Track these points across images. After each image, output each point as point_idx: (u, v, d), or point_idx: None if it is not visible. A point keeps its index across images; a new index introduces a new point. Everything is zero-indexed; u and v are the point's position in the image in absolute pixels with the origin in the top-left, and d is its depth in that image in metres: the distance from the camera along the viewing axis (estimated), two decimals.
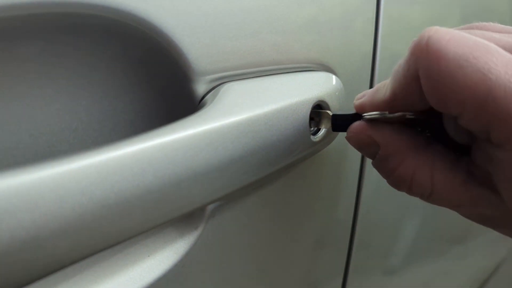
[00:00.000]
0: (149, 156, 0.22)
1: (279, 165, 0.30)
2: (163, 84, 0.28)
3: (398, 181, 0.26)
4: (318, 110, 0.32)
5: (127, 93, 0.27)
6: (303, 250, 0.41)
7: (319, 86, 0.33)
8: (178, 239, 0.29)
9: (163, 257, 0.28)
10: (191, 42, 0.26)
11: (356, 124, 0.28)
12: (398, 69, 0.24)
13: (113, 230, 0.21)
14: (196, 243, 0.29)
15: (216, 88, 0.28)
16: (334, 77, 0.35)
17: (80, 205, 0.19)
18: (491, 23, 0.27)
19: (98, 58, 0.26)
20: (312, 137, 0.32)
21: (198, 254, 0.29)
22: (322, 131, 0.33)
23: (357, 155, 0.43)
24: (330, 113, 0.31)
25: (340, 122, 0.30)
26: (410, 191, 0.26)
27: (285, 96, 0.29)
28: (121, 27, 0.24)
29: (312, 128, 0.32)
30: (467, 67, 0.20)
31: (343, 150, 0.40)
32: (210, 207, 0.29)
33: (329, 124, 0.31)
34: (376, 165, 0.28)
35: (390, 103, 0.25)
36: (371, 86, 0.41)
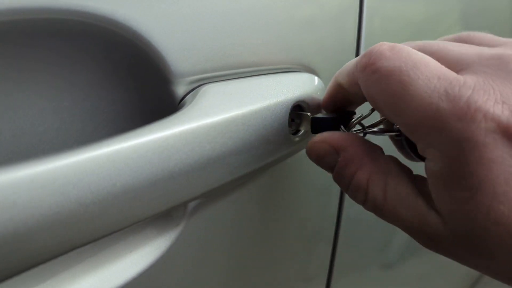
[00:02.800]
0: (125, 156, 0.22)
1: (258, 165, 0.30)
2: (143, 85, 0.28)
3: (355, 189, 0.27)
4: (298, 112, 0.33)
5: (109, 94, 0.28)
6: (286, 248, 0.42)
7: (299, 87, 0.33)
8: (159, 235, 0.29)
9: (145, 252, 0.29)
10: (169, 44, 0.26)
11: (319, 135, 0.29)
12: (346, 69, 0.29)
13: (90, 228, 0.22)
14: (177, 240, 0.30)
15: (195, 90, 0.28)
16: (316, 78, 0.36)
17: (56, 204, 0.20)
18: (481, 34, 0.28)
19: (79, 61, 0.26)
20: (291, 136, 0.33)
21: (180, 251, 0.30)
22: (302, 131, 0.34)
23: None
24: (310, 115, 0.32)
25: (320, 125, 0.31)
26: (366, 201, 0.27)
27: (264, 97, 0.30)
28: (102, 32, 0.25)
29: (293, 129, 0.33)
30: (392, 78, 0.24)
31: None
32: (191, 205, 0.30)
33: (309, 126, 0.32)
34: (336, 176, 0.29)
35: (333, 97, 0.31)
36: None
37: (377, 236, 0.57)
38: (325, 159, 0.29)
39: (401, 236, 0.60)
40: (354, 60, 0.28)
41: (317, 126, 0.31)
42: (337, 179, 0.29)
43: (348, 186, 0.28)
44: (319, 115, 0.32)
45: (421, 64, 0.23)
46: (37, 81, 0.25)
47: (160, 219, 0.30)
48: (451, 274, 0.82)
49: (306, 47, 0.36)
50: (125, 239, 0.29)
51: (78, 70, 0.26)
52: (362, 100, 0.30)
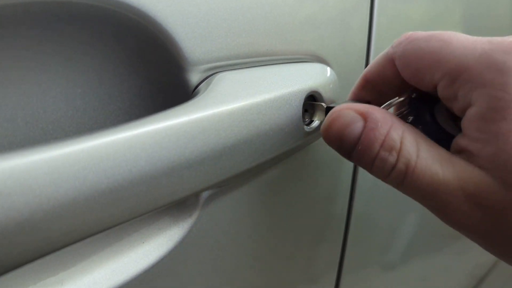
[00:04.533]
0: (142, 142, 0.22)
1: (272, 154, 0.30)
2: (158, 73, 0.28)
3: (389, 149, 0.26)
4: (312, 102, 0.33)
5: (123, 82, 0.27)
6: (298, 241, 0.41)
7: (313, 77, 0.33)
8: (172, 226, 0.29)
9: (158, 243, 0.28)
10: (185, 32, 0.26)
11: (342, 105, 0.28)
12: (375, 61, 0.30)
13: (105, 215, 0.22)
14: (190, 231, 0.29)
15: (209, 78, 0.28)
16: (328, 68, 0.35)
17: (73, 189, 0.20)
18: None
19: (94, 47, 0.26)
20: (305, 127, 0.32)
21: (193, 242, 0.30)
22: (316, 122, 0.33)
23: None
24: (324, 105, 0.32)
25: None
26: (397, 165, 0.26)
27: (279, 86, 0.30)
28: (116, 17, 0.25)
29: (306, 119, 0.33)
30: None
31: None
32: (204, 195, 0.30)
33: (323, 117, 0.32)
34: (364, 143, 0.26)
35: (363, 85, 0.31)
36: None
37: (382, 235, 0.57)
38: (349, 128, 0.27)
39: (404, 237, 0.60)
40: (383, 51, 0.29)
41: None
42: (365, 145, 0.26)
43: (378, 152, 0.26)
44: (334, 104, 0.31)
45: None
46: (49, 67, 0.25)
47: (173, 209, 0.29)
48: (454, 276, 0.82)
49: (320, 39, 0.35)
50: (137, 230, 0.29)
51: (90, 56, 0.26)
52: (390, 89, 0.30)
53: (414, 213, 0.60)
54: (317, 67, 0.35)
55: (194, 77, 0.28)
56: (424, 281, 0.72)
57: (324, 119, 0.31)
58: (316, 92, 0.32)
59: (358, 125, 0.27)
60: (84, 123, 0.27)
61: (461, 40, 0.25)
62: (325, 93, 0.33)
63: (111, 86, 0.27)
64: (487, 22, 0.65)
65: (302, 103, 0.31)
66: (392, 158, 0.26)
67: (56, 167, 0.19)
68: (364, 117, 0.26)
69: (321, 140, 0.36)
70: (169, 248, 0.28)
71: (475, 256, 0.86)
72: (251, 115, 0.27)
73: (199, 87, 0.28)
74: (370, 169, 0.27)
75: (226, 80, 0.28)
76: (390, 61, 0.28)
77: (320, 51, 0.36)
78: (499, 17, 0.69)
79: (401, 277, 0.65)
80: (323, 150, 0.39)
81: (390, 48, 0.28)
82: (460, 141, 0.25)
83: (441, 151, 0.26)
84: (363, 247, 0.53)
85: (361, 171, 0.45)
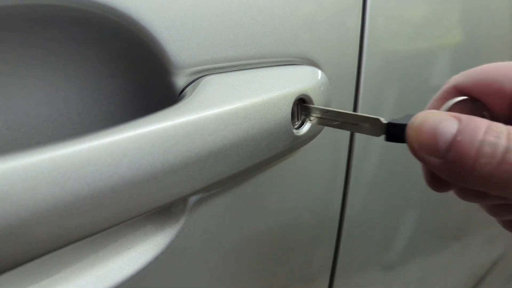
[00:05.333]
0: (124, 147, 0.22)
1: (260, 159, 0.30)
2: (143, 76, 0.28)
3: (495, 133, 0.23)
4: (307, 104, 0.32)
5: (108, 85, 0.27)
6: (289, 245, 0.41)
7: (302, 80, 0.32)
8: (158, 231, 0.29)
9: (144, 249, 0.28)
10: (170, 35, 0.26)
11: (431, 111, 0.25)
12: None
13: (87, 222, 0.21)
14: (177, 236, 0.29)
15: (196, 81, 0.28)
16: (319, 71, 0.35)
17: (52, 195, 0.19)
18: None
19: (77, 50, 0.26)
20: (294, 131, 0.32)
21: (179, 248, 0.29)
22: (306, 126, 0.33)
23: (344, 150, 0.43)
24: (384, 121, 0.28)
25: (397, 132, 0.27)
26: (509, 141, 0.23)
27: (267, 90, 0.29)
28: (100, 19, 0.24)
29: (296, 123, 0.32)
30: None
31: (329, 145, 0.40)
32: (192, 200, 0.29)
33: (315, 120, 0.31)
34: (464, 136, 0.24)
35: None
36: (357, 82, 0.41)
37: (378, 236, 0.56)
38: (443, 123, 0.24)
39: (402, 238, 0.60)
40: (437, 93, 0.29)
41: (395, 132, 0.27)
42: (467, 134, 0.23)
43: (484, 136, 0.23)
44: (393, 120, 0.28)
45: None
46: (32, 71, 0.25)
47: (160, 214, 0.29)
48: (453, 276, 0.82)
49: (309, 41, 0.35)
50: (123, 235, 0.28)
51: (74, 60, 0.26)
52: None
53: (414, 214, 0.60)
54: (307, 69, 0.34)
55: (180, 81, 0.27)
56: (422, 281, 0.72)
57: (316, 123, 0.31)
58: (305, 95, 0.32)
59: (453, 122, 0.24)
60: (68, 127, 0.26)
61: None
62: (316, 96, 0.33)
63: (96, 89, 0.27)
64: (484, 22, 0.65)
65: (291, 107, 0.31)
66: (502, 141, 0.23)
67: (35, 173, 0.19)
68: (457, 118, 0.24)
69: (311, 143, 0.36)
70: (155, 254, 0.28)
71: (473, 257, 0.86)
72: (238, 119, 0.27)
73: (185, 90, 0.27)
74: (474, 162, 0.23)
75: (213, 84, 0.27)
76: (450, 92, 0.27)
77: (311, 53, 0.35)
78: (495, 16, 0.68)
79: (399, 277, 0.65)
80: (314, 153, 0.38)
81: (447, 83, 0.28)
82: None
83: None
84: (357, 248, 0.52)
85: (354, 173, 0.44)
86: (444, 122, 0.24)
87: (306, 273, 0.45)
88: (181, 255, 0.30)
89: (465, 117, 0.24)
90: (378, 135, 0.28)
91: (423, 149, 0.25)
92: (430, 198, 0.60)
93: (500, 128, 0.23)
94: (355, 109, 0.42)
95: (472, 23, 0.62)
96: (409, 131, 0.25)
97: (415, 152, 0.25)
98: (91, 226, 0.22)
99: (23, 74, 0.24)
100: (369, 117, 0.29)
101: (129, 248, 0.28)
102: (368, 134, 0.29)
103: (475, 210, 0.70)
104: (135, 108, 0.28)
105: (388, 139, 0.27)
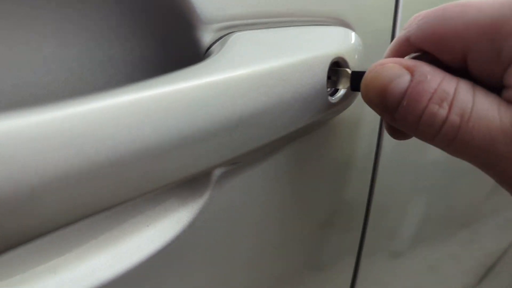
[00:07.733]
0: (147, 107, 0.19)
1: (294, 127, 0.27)
2: (165, 32, 0.25)
3: (440, 100, 0.23)
4: (336, 68, 0.29)
5: (125, 42, 0.24)
6: (315, 224, 0.38)
7: (337, 42, 0.30)
8: (180, 207, 0.26)
9: (164, 227, 0.26)
10: None
11: (385, 59, 0.26)
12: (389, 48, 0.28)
13: (103, 192, 0.18)
14: (200, 212, 0.26)
15: (224, 38, 0.25)
16: (353, 33, 0.32)
17: (65, 161, 0.17)
18: None
19: (91, 1, 0.23)
20: (329, 98, 0.29)
21: (203, 225, 0.27)
22: (341, 92, 0.30)
23: (376, 120, 0.40)
24: (349, 71, 0.28)
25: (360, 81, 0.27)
26: (449, 116, 0.23)
27: (301, 50, 0.27)
28: None
29: (329, 89, 0.29)
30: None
31: (361, 115, 0.37)
32: (217, 173, 0.27)
33: (347, 84, 0.28)
34: (412, 95, 0.24)
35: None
36: None
37: (391, 222, 0.54)
38: (393, 82, 0.24)
39: (413, 224, 0.58)
40: (395, 38, 0.27)
41: (359, 81, 0.27)
42: (412, 100, 0.24)
43: (426, 106, 0.24)
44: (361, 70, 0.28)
45: None
46: (40, 22, 0.22)
47: (182, 188, 0.26)
48: (463, 264, 0.81)
49: (343, 1, 0.32)
50: (142, 211, 0.26)
51: (87, 12, 0.23)
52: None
53: (425, 200, 0.58)
54: (341, 31, 0.31)
55: (206, 37, 0.25)
56: (432, 269, 0.71)
57: (348, 86, 0.28)
58: (341, 58, 0.29)
59: (405, 79, 0.24)
60: (80, 88, 0.24)
61: (479, 1, 0.23)
62: (350, 60, 0.30)
63: (112, 46, 0.24)
64: None
65: (327, 70, 0.28)
66: (442, 111, 0.23)
67: (46, 134, 0.16)
68: (411, 70, 0.24)
69: (343, 114, 0.33)
70: (176, 232, 0.26)
71: (484, 245, 0.86)
72: (271, 80, 0.24)
73: (212, 47, 0.25)
74: (415, 129, 0.24)
75: (243, 41, 0.25)
76: (404, 45, 0.26)
77: (344, 14, 0.32)
78: None
79: (409, 264, 0.64)
80: (344, 122, 0.36)
81: (402, 31, 0.26)
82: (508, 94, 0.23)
83: (498, 98, 0.23)
84: (377, 233, 0.50)
85: (384, 145, 0.41)
86: (394, 83, 0.24)
87: (331, 254, 0.43)
88: (205, 233, 0.27)
89: (418, 73, 0.24)
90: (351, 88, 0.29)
91: (373, 106, 0.26)
92: (439, 184, 0.58)
93: (448, 88, 0.23)
94: None
95: None
96: (362, 87, 0.26)
97: (368, 104, 0.26)
98: (110, 197, 0.19)
99: (30, 26, 0.21)
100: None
101: (147, 225, 0.25)
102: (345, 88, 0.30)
103: (485, 197, 0.69)
104: (155, 67, 0.26)
105: (352, 88, 0.28)
